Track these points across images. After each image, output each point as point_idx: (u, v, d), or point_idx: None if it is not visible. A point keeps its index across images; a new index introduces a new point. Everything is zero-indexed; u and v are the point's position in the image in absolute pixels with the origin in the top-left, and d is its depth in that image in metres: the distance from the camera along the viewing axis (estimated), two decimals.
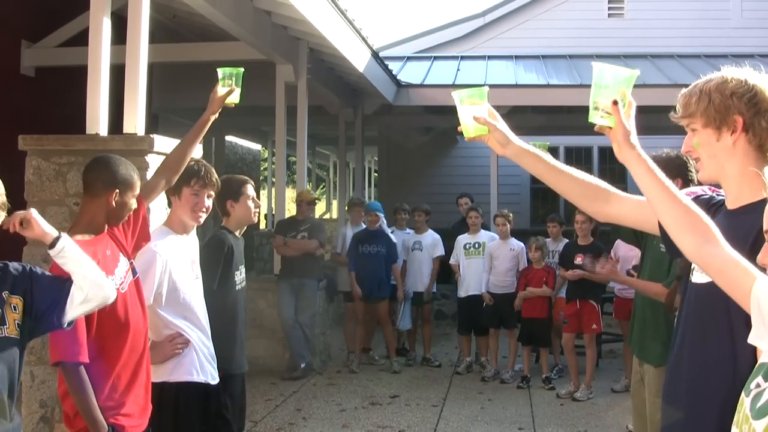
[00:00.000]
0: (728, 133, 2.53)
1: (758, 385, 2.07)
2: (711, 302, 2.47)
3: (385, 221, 11.15)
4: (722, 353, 2.49)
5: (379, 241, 10.78)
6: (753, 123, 2.49)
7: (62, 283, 3.16)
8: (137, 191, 3.87)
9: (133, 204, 3.85)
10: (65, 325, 3.18)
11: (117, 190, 3.72)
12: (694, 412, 2.58)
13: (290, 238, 10.27)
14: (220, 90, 4.27)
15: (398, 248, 11.18)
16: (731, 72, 2.56)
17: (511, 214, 10.52)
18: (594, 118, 2.48)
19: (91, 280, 3.19)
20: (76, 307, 3.17)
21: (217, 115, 4.36)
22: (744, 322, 2.35)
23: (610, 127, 2.46)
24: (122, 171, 3.79)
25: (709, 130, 2.57)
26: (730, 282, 2.15)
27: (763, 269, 2.15)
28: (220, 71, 4.31)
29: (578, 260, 8.86)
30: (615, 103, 2.41)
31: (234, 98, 4.30)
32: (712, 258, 2.19)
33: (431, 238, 11.30)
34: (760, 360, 2.12)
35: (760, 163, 2.52)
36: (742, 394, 2.11)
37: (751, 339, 2.09)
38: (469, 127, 2.82)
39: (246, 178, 5.52)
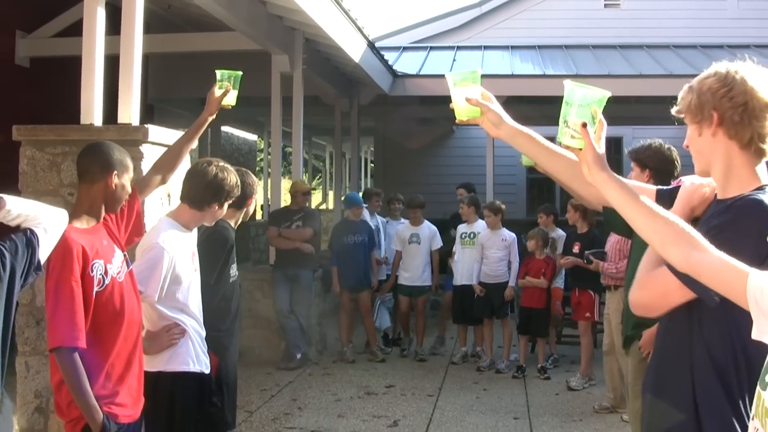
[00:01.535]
0: (708, 129, 2.54)
1: None
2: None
3: (366, 211, 11.20)
4: (683, 337, 2.57)
5: (361, 231, 10.85)
6: (725, 117, 2.49)
7: (24, 234, 3.17)
8: (131, 174, 3.89)
9: (129, 187, 3.87)
10: (42, 267, 3.24)
11: (115, 172, 3.74)
12: (663, 396, 2.64)
13: (284, 228, 10.27)
14: (217, 91, 4.33)
15: (392, 239, 11.34)
16: (721, 66, 2.56)
17: (503, 206, 10.52)
18: (563, 138, 2.46)
19: (42, 213, 3.23)
20: (45, 244, 3.21)
21: (214, 116, 4.45)
22: (705, 310, 2.43)
23: (580, 149, 2.44)
24: (116, 154, 3.81)
25: (693, 125, 2.60)
26: (723, 284, 2.15)
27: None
28: (218, 73, 4.38)
29: (575, 249, 8.88)
30: (584, 125, 2.39)
31: (231, 100, 4.39)
32: (702, 264, 2.19)
33: (428, 230, 11.14)
34: None
35: (746, 156, 2.53)
36: (758, 387, 2.11)
37: (755, 335, 2.09)
38: (461, 109, 2.82)
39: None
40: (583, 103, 2.41)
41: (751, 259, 2.19)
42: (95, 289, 3.56)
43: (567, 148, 2.49)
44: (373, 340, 10.93)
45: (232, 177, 4.66)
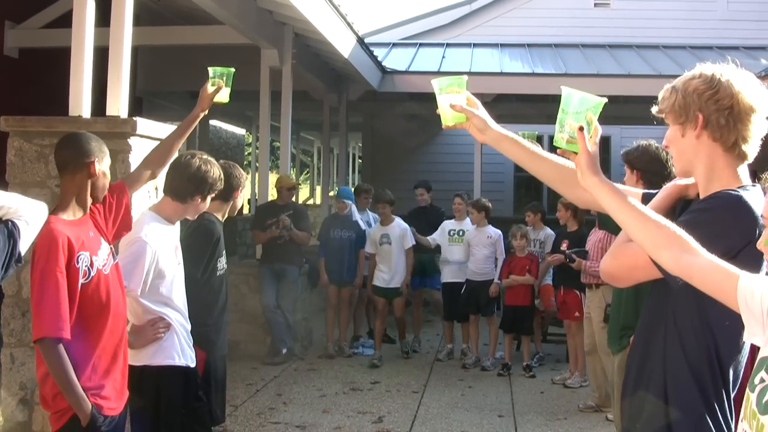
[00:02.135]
0: (692, 130, 2.56)
1: (762, 380, 2.09)
2: (661, 291, 2.59)
3: (354, 207, 11.15)
4: (658, 335, 2.62)
5: (349, 226, 10.83)
6: (711, 120, 2.51)
7: (5, 226, 3.16)
8: (110, 160, 3.87)
9: (109, 175, 3.86)
10: (22, 258, 3.23)
11: (95, 160, 3.72)
12: (639, 392, 2.69)
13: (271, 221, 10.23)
14: (210, 88, 4.31)
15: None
16: (705, 68, 2.59)
17: (489, 204, 10.54)
18: (559, 142, 2.49)
19: (24, 206, 3.23)
20: (26, 236, 3.20)
21: (206, 112, 4.42)
22: (680, 308, 2.52)
23: (575, 152, 2.46)
24: (93, 142, 3.79)
25: (676, 126, 2.62)
26: (715, 287, 2.16)
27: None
28: (210, 70, 4.35)
29: (563, 246, 8.89)
30: (581, 129, 2.41)
31: (223, 97, 4.36)
32: (692, 268, 2.20)
33: (399, 228, 10.54)
34: (761, 355, 2.14)
35: (729, 158, 2.56)
36: (747, 389, 2.14)
37: (746, 337, 2.11)
38: (447, 115, 2.86)
39: None
40: (579, 109, 2.44)
41: (723, 250, 2.24)
42: (81, 280, 3.55)
43: (563, 153, 2.51)
44: (344, 336, 10.94)
45: (215, 170, 4.66)
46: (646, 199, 2.83)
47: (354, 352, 10.71)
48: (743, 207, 2.43)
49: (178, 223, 4.75)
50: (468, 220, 10.66)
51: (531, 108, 15.11)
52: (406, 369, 10.00)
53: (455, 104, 2.82)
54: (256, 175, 16.28)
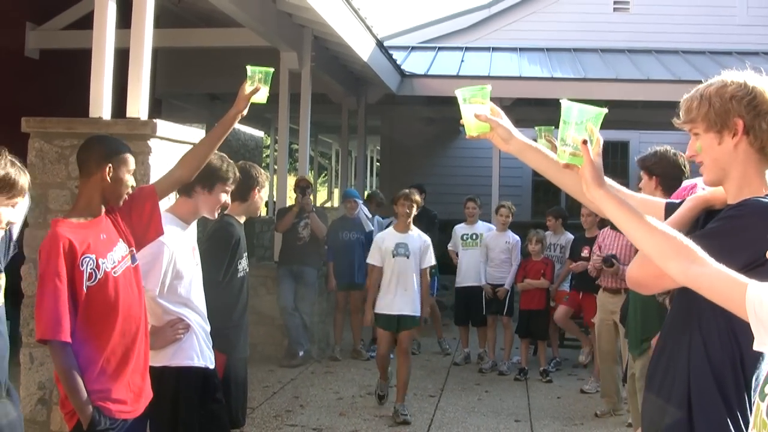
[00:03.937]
0: (729, 137, 2.55)
1: None
2: (686, 296, 2.58)
3: (364, 208, 11.12)
4: (683, 337, 2.63)
5: (358, 228, 10.84)
6: (753, 125, 2.51)
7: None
8: (131, 167, 3.84)
9: (129, 180, 3.82)
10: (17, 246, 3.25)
11: (110, 165, 3.70)
12: (661, 394, 2.69)
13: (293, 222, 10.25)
14: (248, 88, 4.16)
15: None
16: (731, 75, 2.58)
17: (513, 207, 10.56)
18: (562, 156, 2.49)
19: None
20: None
21: (245, 112, 4.24)
22: (705, 311, 2.51)
23: (579, 166, 2.46)
24: (113, 146, 3.79)
25: (710, 134, 2.59)
26: (723, 297, 2.16)
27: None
28: (249, 69, 4.18)
29: (584, 252, 8.86)
30: (584, 142, 2.41)
31: (261, 98, 4.19)
32: (701, 277, 2.20)
33: (420, 241, 8.11)
34: None
35: (762, 165, 2.56)
36: (757, 398, 2.13)
37: (756, 346, 2.11)
38: (471, 125, 2.86)
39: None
40: (580, 121, 2.44)
41: (751, 258, 2.25)
42: (86, 283, 3.56)
43: (567, 166, 2.50)
44: (357, 339, 10.94)
45: (214, 158, 4.63)
46: (669, 209, 2.83)
47: (371, 356, 10.67)
48: None
49: (194, 224, 4.76)
50: (479, 224, 10.68)
51: (550, 112, 15.07)
52: (423, 373, 9.98)
53: (480, 114, 2.82)
54: (275, 177, 16.32)
